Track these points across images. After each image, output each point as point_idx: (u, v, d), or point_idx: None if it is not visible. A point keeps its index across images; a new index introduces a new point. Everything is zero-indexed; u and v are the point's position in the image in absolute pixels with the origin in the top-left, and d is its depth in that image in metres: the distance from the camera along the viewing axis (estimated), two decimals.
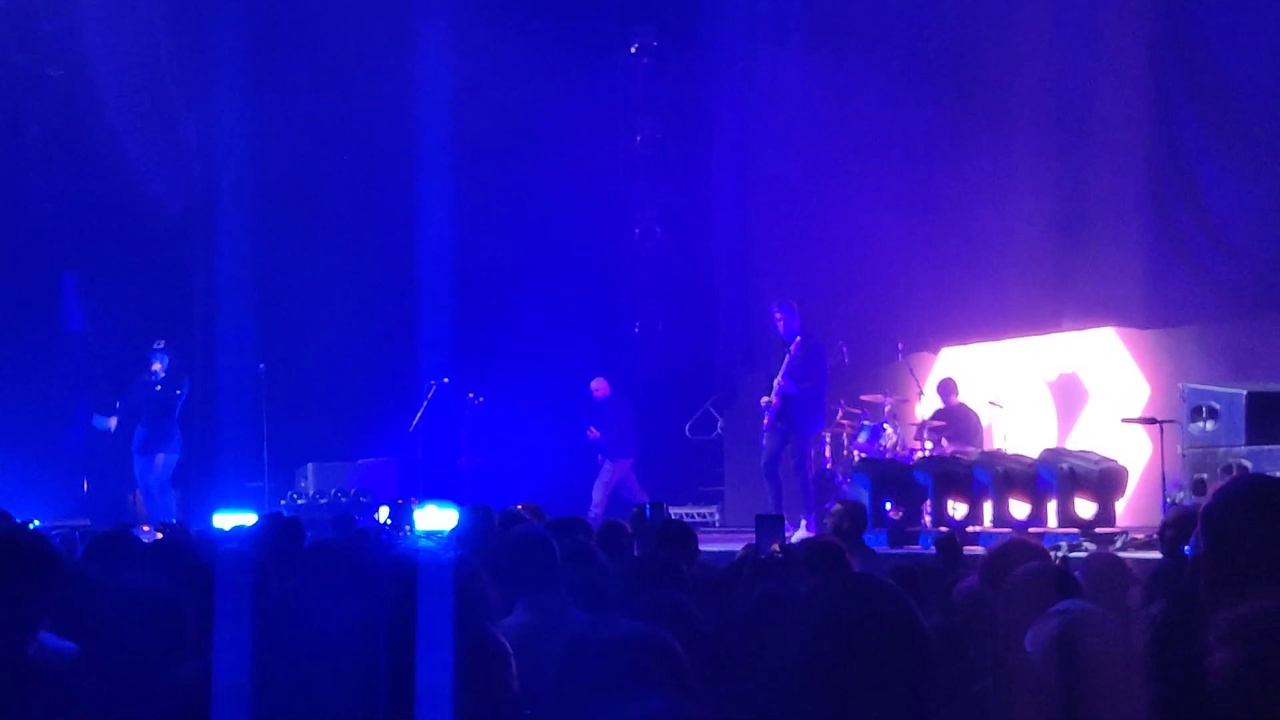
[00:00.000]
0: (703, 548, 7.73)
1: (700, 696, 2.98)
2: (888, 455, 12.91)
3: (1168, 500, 10.15)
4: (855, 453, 13.37)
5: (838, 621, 2.46)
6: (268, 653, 2.33)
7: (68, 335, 17.31)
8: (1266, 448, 9.70)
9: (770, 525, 6.83)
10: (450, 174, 15.57)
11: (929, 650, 2.48)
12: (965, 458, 11.84)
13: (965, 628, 4.73)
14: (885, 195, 15.08)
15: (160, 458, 14.21)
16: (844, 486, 12.83)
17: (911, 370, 14.05)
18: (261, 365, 15.38)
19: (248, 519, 10.16)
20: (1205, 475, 9.91)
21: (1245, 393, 10.01)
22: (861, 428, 13.45)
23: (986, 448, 12.74)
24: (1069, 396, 13.70)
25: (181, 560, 4.85)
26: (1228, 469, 9.70)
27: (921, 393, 13.80)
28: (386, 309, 16.74)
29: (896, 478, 11.68)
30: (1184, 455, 10.32)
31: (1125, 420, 11.81)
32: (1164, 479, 10.48)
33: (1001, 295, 13.96)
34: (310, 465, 16.51)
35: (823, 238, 15.64)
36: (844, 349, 13.68)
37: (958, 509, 11.21)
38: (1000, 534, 9.18)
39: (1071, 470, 10.47)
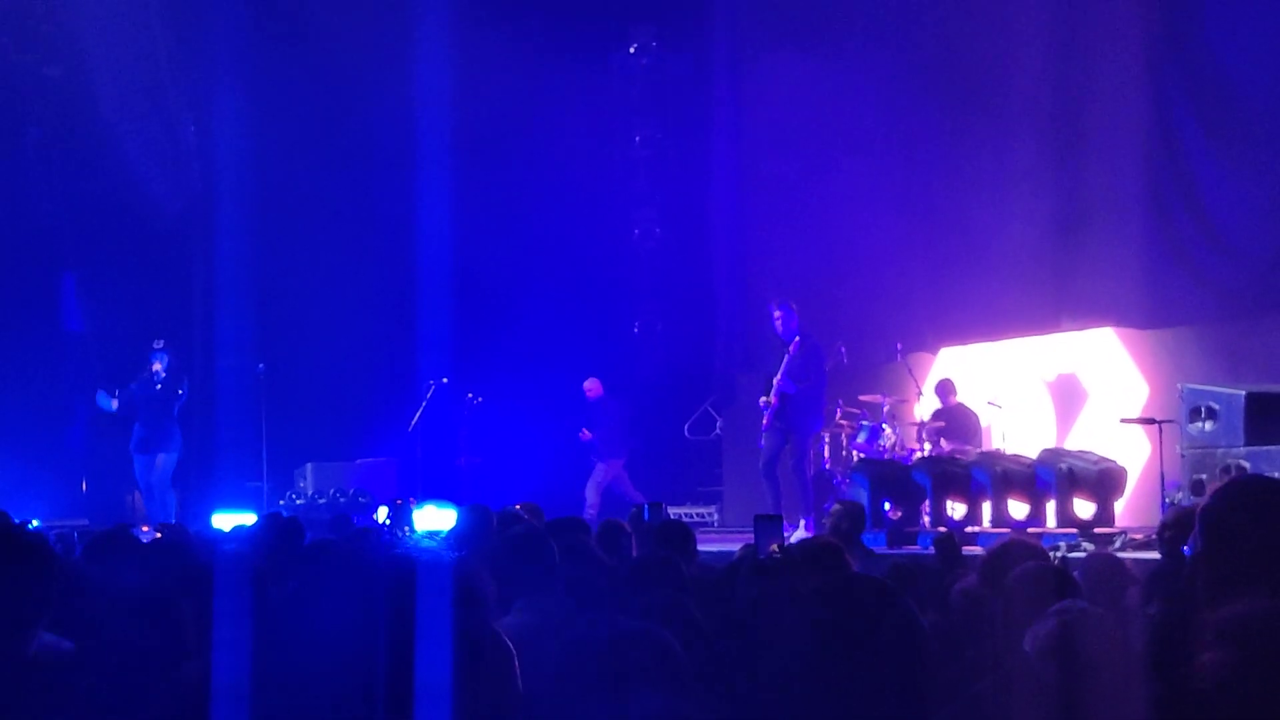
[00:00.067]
0: (701, 548, 7.73)
1: (699, 696, 2.98)
2: (886, 455, 12.90)
3: (1166, 500, 10.15)
4: (854, 453, 13.37)
5: (837, 621, 2.46)
6: (267, 653, 2.34)
7: (68, 335, 17.31)
8: (1265, 448, 9.70)
9: (769, 525, 6.85)
10: (449, 174, 15.58)
11: (928, 650, 2.48)
12: (964, 458, 11.82)
13: (964, 628, 4.73)
14: (884, 195, 15.10)
15: (160, 458, 14.20)
16: (843, 487, 12.82)
17: (910, 370, 14.06)
18: (261, 365, 15.38)
19: (247, 519, 10.17)
20: (1204, 475, 9.91)
21: (1244, 393, 10.01)
22: (860, 428, 13.45)
23: (985, 448, 12.73)
24: (1068, 397, 13.70)
25: (180, 560, 4.86)
26: (1226, 469, 9.69)
27: (920, 393, 13.79)
28: (386, 309, 16.73)
29: (895, 478, 11.67)
30: (1183, 455, 10.32)
31: (1124, 420, 11.81)
32: (1163, 479, 10.48)
33: (1000, 295, 13.97)
34: (309, 465, 16.50)
35: (821, 238, 15.63)
36: (843, 349, 13.70)
37: (956, 509, 11.21)
38: (999, 534, 9.16)
39: (1070, 470, 10.47)
